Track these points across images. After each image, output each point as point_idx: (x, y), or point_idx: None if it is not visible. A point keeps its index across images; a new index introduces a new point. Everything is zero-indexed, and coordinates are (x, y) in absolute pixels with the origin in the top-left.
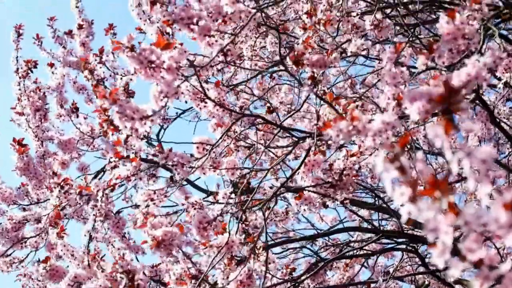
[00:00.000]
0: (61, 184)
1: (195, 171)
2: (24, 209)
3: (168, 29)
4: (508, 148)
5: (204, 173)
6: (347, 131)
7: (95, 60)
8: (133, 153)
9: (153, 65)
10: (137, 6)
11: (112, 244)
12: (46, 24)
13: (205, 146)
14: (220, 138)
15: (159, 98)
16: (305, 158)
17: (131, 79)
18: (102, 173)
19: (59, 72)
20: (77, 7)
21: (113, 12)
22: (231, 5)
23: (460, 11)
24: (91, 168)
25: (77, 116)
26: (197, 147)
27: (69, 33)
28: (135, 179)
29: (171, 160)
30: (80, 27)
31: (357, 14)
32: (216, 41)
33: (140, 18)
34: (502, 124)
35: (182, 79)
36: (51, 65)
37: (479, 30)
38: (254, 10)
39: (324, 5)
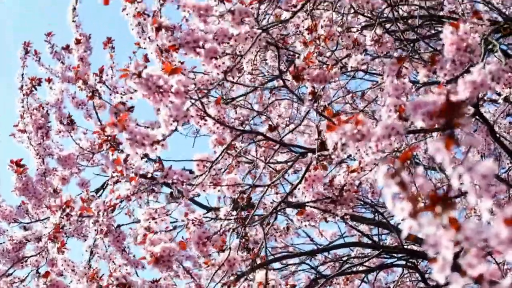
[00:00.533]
0: (63, 206)
1: (195, 188)
2: (24, 228)
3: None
4: (508, 163)
5: (204, 190)
6: (351, 135)
7: (95, 79)
8: (132, 172)
9: (161, 90)
10: (137, 25)
11: (113, 261)
12: (44, 40)
13: (205, 163)
14: (220, 155)
15: (169, 122)
16: (305, 173)
17: (131, 98)
18: (102, 190)
19: (57, 88)
20: (74, 21)
21: (111, 22)
22: (236, 27)
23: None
24: (91, 183)
25: (73, 129)
26: (197, 165)
27: (67, 48)
28: (135, 199)
29: (171, 178)
30: (77, 42)
31: (357, 30)
32: (223, 63)
33: (140, 37)
34: (502, 139)
35: (191, 102)
36: (49, 80)
37: (480, 44)
38: (259, 31)
39: (324, 21)
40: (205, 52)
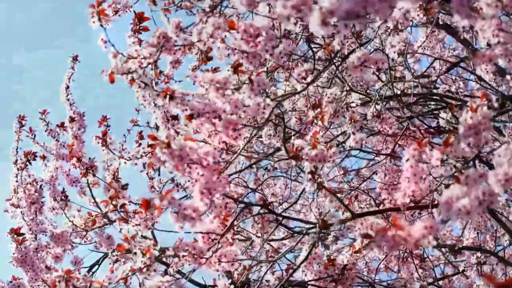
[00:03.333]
0: (65, 277)
1: (205, 263)
2: None
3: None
4: (506, 240)
5: (210, 267)
6: (394, 243)
7: (98, 142)
8: (139, 248)
9: (190, 162)
10: (143, 88)
11: None
12: (39, 117)
13: (210, 236)
14: (229, 228)
15: (205, 195)
16: (309, 252)
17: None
18: (97, 266)
19: (51, 165)
20: (67, 99)
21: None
22: (254, 98)
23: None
24: (84, 261)
25: (66, 204)
26: (203, 237)
27: (62, 125)
28: (148, 271)
29: (182, 250)
30: (72, 120)
31: (356, 105)
32: (240, 134)
33: (145, 100)
34: (500, 216)
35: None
36: (43, 157)
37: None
38: (273, 104)
39: (329, 97)
40: (224, 123)
